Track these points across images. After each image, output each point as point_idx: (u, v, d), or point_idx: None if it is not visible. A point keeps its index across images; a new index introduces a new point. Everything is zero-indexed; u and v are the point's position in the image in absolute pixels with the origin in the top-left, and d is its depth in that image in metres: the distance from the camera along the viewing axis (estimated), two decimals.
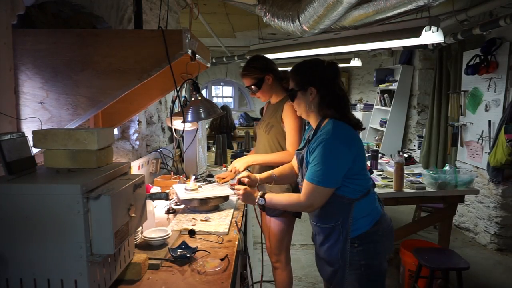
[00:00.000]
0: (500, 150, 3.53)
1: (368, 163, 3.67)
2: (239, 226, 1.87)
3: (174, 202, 2.15)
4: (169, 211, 2.04)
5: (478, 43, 4.04)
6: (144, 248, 1.54)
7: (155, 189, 2.12)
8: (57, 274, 0.99)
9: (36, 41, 1.30)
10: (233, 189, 1.81)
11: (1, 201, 0.97)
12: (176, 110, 2.74)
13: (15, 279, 1.00)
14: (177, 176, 2.70)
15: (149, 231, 1.61)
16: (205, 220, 1.91)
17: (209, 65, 1.97)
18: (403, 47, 4.96)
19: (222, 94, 10.24)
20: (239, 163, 2.22)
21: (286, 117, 2.15)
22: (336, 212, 1.57)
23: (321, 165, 1.48)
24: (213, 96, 9.99)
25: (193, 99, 1.97)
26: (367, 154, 3.92)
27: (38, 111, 1.31)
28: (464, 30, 3.86)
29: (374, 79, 6.61)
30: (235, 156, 3.73)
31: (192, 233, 1.74)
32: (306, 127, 1.86)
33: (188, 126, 2.29)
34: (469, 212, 4.38)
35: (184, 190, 2.09)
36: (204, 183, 2.40)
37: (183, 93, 3.92)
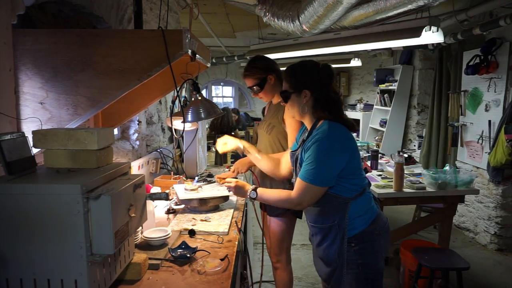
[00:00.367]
0: (500, 150, 3.53)
1: (368, 163, 3.67)
2: (239, 226, 1.87)
3: (174, 202, 2.15)
4: (169, 211, 2.04)
5: (478, 43, 4.04)
6: (144, 248, 1.54)
7: (155, 189, 2.12)
8: (57, 274, 0.99)
9: (36, 41, 1.30)
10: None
11: (1, 201, 0.97)
12: (176, 110, 2.74)
13: (15, 279, 1.00)
14: (177, 176, 2.70)
15: (149, 231, 1.61)
16: (205, 220, 1.91)
17: (209, 65, 1.97)
18: (403, 47, 4.96)
19: (222, 94, 10.24)
20: (241, 164, 2.23)
21: (287, 117, 2.15)
22: (333, 212, 1.57)
23: (315, 164, 1.49)
24: (213, 96, 10.00)
25: (193, 99, 1.97)
26: (367, 154, 3.92)
27: (38, 111, 1.31)
28: (464, 30, 3.86)
29: (374, 79, 6.61)
30: (235, 156, 3.73)
31: (192, 233, 1.74)
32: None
33: (188, 126, 2.29)
34: (469, 212, 4.38)
35: (184, 190, 2.09)
36: (204, 183, 2.40)
37: (183, 93, 3.92)
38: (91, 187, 1.01)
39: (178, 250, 1.51)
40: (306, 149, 1.54)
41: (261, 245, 2.39)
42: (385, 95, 6.32)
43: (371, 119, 6.84)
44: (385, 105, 6.33)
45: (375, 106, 6.82)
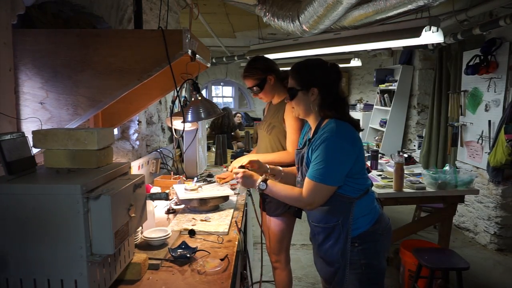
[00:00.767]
0: (500, 150, 3.53)
1: (368, 163, 3.67)
2: (239, 226, 1.87)
3: (174, 202, 2.15)
4: (169, 211, 2.04)
5: (478, 43, 4.04)
6: (144, 248, 1.54)
7: (155, 189, 2.12)
8: (57, 274, 0.99)
9: (36, 41, 1.30)
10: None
11: (1, 201, 0.97)
12: (176, 110, 2.74)
13: (15, 279, 1.00)
14: (177, 176, 2.70)
15: (149, 231, 1.61)
16: (205, 220, 1.91)
17: (209, 65, 1.97)
18: (403, 47, 4.97)
19: (222, 94, 10.24)
20: (239, 163, 2.22)
21: (287, 117, 2.15)
22: (337, 212, 1.57)
23: (324, 163, 1.47)
24: (213, 96, 10.00)
25: (193, 99, 1.97)
26: (367, 154, 3.92)
27: (38, 111, 1.31)
28: (464, 30, 3.86)
29: (374, 79, 6.61)
30: (235, 156, 3.73)
31: (192, 233, 1.74)
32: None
33: (188, 126, 2.29)
34: (469, 212, 4.38)
35: (184, 190, 2.09)
36: (204, 183, 2.40)
37: (183, 93, 3.92)
38: (91, 187, 1.01)
39: (178, 250, 1.51)
40: (314, 148, 1.52)
41: (261, 245, 2.39)
42: (385, 95, 6.33)
43: (371, 119, 6.84)
44: (385, 105, 6.33)
45: (375, 106, 6.82)
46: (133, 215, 1.15)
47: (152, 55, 1.32)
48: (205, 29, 5.12)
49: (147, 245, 1.56)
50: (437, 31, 2.47)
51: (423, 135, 5.40)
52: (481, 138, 4.07)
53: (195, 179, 2.27)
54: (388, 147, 5.89)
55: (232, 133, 6.02)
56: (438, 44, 4.58)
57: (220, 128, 5.66)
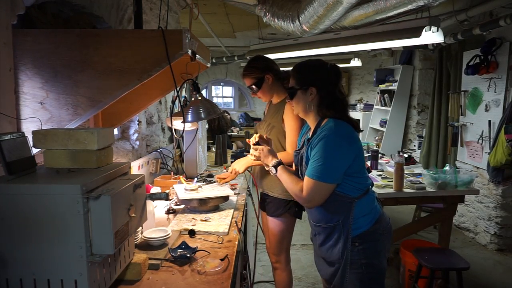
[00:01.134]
0: (500, 150, 3.53)
1: (368, 163, 3.67)
2: (239, 226, 1.87)
3: (174, 202, 2.15)
4: (169, 211, 2.04)
5: (478, 43, 4.04)
6: (144, 248, 1.54)
7: (155, 189, 2.12)
8: (57, 274, 0.99)
9: (36, 41, 1.30)
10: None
11: (1, 201, 0.97)
12: (176, 110, 2.74)
13: (15, 279, 1.00)
14: (177, 176, 2.70)
15: (149, 231, 1.61)
16: (205, 220, 1.91)
17: (209, 65, 1.96)
18: (403, 47, 4.97)
19: (222, 94, 10.24)
20: (239, 165, 2.22)
21: (287, 117, 2.15)
22: (337, 211, 1.57)
23: (322, 160, 1.48)
24: (213, 96, 9.99)
25: (193, 99, 1.97)
26: (367, 154, 3.93)
27: (38, 111, 1.31)
28: (464, 30, 3.86)
29: (374, 79, 6.61)
30: (235, 156, 3.73)
31: (192, 233, 1.74)
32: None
33: (188, 126, 2.29)
34: (469, 212, 4.38)
35: (184, 190, 2.09)
36: (204, 183, 2.40)
37: (183, 93, 3.92)
38: (91, 187, 1.01)
39: (178, 250, 1.51)
40: (312, 147, 1.54)
41: (261, 245, 2.39)
42: (385, 95, 6.33)
43: (371, 119, 6.84)
44: (385, 105, 6.33)
45: (375, 106, 6.82)
46: (133, 215, 1.15)
47: (152, 55, 1.32)
48: (205, 29, 5.12)
49: (147, 245, 1.56)
50: (437, 31, 2.47)
51: (423, 135, 5.40)
52: (481, 138, 4.07)
53: (195, 179, 2.27)
54: (388, 147, 5.89)
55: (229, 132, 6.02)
56: (438, 44, 4.58)
57: (218, 129, 5.66)
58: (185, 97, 3.81)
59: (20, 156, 1.09)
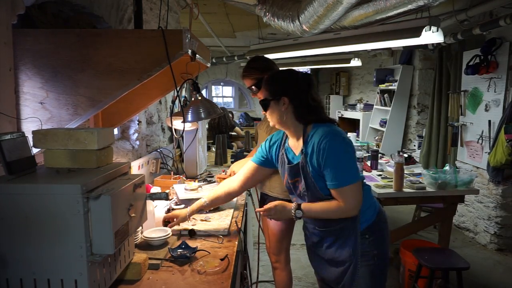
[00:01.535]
0: (500, 150, 3.53)
1: (368, 163, 3.67)
2: (239, 226, 1.87)
3: (174, 202, 2.15)
4: (169, 211, 2.04)
5: (478, 43, 4.04)
6: (144, 248, 1.54)
7: (155, 189, 2.12)
8: (57, 274, 0.99)
9: (36, 41, 1.30)
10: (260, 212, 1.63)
11: (1, 201, 0.97)
12: (176, 110, 2.74)
13: (15, 279, 1.00)
14: (177, 176, 2.70)
15: (149, 231, 1.61)
16: (205, 220, 1.91)
17: (209, 65, 1.97)
18: (403, 47, 4.97)
19: (222, 94, 10.24)
20: (238, 167, 2.21)
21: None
22: None
23: (341, 164, 1.49)
24: (213, 96, 10.00)
25: (193, 99, 1.97)
26: (367, 154, 3.93)
27: (38, 111, 1.31)
28: (464, 30, 3.86)
29: (374, 79, 6.61)
30: (235, 156, 3.73)
31: (192, 233, 1.74)
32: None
33: (188, 126, 2.29)
34: (469, 212, 4.38)
35: (184, 190, 2.09)
36: (204, 183, 2.40)
37: (183, 93, 3.92)
38: (91, 187, 1.01)
39: (178, 250, 1.51)
40: (318, 158, 1.50)
41: (261, 245, 2.39)
42: (385, 95, 6.32)
43: (371, 119, 6.84)
44: (385, 105, 6.33)
45: (375, 106, 6.82)
46: (133, 215, 1.15)
47: (152, 55, 1.32)
48: (205, 29, 5.12)
49: (147, 245, 1.56)
50: (437, 31, 2.47)
51: (423, 135, 5.40)
52: (481, 138, 4.07)
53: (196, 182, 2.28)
54: (388, 147, 5.89)
55: (232, 133, 6.03)
56: (438, 44, 4.58)
57: (218, 128, 5.67)
58: (185, 97, 3.81)
59: (20, 156, 1.09)
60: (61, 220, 0.97)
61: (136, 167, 2.41)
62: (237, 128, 6.16)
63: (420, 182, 3.00)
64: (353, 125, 7.47)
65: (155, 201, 1.76)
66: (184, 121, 1.80)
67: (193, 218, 1.93)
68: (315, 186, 1.54)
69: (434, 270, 2.43)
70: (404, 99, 6.03)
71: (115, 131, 2.51)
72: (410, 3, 1.87)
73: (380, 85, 6.45)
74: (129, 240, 1.26)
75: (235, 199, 2.27)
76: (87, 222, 0.98)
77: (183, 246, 1.54)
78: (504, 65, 3.73)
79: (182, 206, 2.09)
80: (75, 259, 0.98)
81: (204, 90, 9.55)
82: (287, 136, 1.70)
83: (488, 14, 3.89)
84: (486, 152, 3.95)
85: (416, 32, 2.47)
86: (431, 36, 2.53)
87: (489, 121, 3.93)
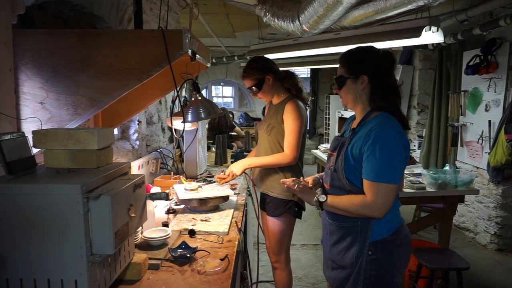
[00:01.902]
0: (500, 150, 3.53)
1: None
2: (239, 226, 1.87)
3: (174, 202, 2.15)
4: (169, 211, 2.04)
5: (478, 43, 4.04)
6: (144, 248, 1.54)
7: (155, 189, 2.12)
8: (57, 274, 0.99)
9: (36, 41, 1.30)
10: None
11: (1, 201, 0.97)
12: (176, 110, 2.74)
13: (15, 279, 1.00)
14: (177, 176, 2.70)
15: (149, 231, 1.61)
16: (205, 220, 1.91)
17: (209, 65, 1.97)
18: (403, 47, 4.96)
19: (222, 94, 10.24)
20: (236, 167, 2.20)
21: (286, 118, 2.15)
22: None
23: (387, 160, 1.37)
24: (213, 96, 10.00)
25: (193, 99, 1.98)
26: None
27: (38, 111, 1.31)
28: (464, 30, 3.86)
29: None
30: (235, 156, 3.73)
31: (192, 233, 1.74)
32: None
33: (188, 126, 2.29)
34: (469, 212, 4.38)
35: (184, 190, 2.09)
36: (204, 183, 2.40)
37: (183, 93, 3.92)
38: (91, 187, 1.01)
39: (178, 250, 1.51)
40: (362, 144, 1.41)
41: (261, 245, 2.39)
42: None
43: None
44: None
45: None
46: (133, 215, 1.15)
47: (152, 55, 1.32)
48: (205, 29, 5.12)
49: (147, 245, 1.56)
50: (437, 31, 2.47)
51: (423, 135, 5.40)
52: (481, 138, 4.07)
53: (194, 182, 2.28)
54: None
55: (232, 133, 6.03)
56: (438, 44, 4.58)
57: (218, 128, 5.67)
58: (185, 97, 3.81)
59: (20, 156, 1.09)
60: (61, 220, 0.97)
61: (136, 167, 2.41)
62: (237, 128, 6.17)
63: (420, 182, 3.00)
64: None
65: (155, 201, 1.76)
66: (184, 121, 1.80)
67: (193, 218, 1.93)
68: (342, 164, 1.47)
69: (434, 270, 2.43)
70: (404, 99, 6.03)
71: (115, 131, 2.51)
72: (410, 3, 1.87)
73: None
74: (129, 240, 1.26)
75: (235, 199, 2.27)
76: (87, 222, 0.98)
77: (183, 246, 1.54)
78: (504, 65, 3.73)
79: (182, 206, 2.09)
80: (75, 259, 0.98)
81: (204, 90, 9.55)
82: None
83: (488, 14, 3.89)
84: (486, 152, 3.95)
85: (416, 32, 2.47)
86: (431, 36, 2.53)
87: (489, 121, 3.93)
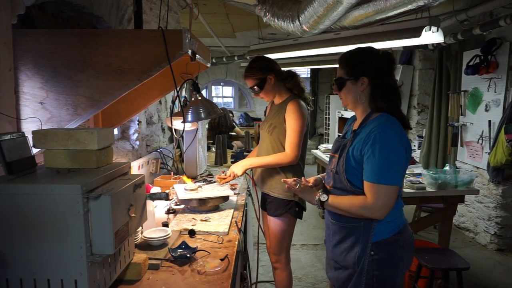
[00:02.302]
0: (500, 150, 3.53)
1: None
2: (239, 226, 1.87)
3: (174, 202, 2.15)
4: (169, 211, 2.04)
5: (478, 43, 4.04)
6: (144, 248, 1.54)
7: (155, 189, 2.12)
8: (57, 274, 0.99)
9: (36, 41, 1.30)
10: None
11: (1, 201, 0.97)
12: (176, 110, 2.74)
13: (15, 279, 1.00)
14: (177, 176, 2.70)
15: (149, 231, 1.61)
16: (205, 220, 1.91)
17: (209, 65, 1.97)
18: (403, 47, 4.96)
19: (222, 94, 10.24)
20: (237, 168, 2.20)
21: (288, 118, 2.15)
22: None
23: (388, 162, 1.37)
24: (213, 96, 10.00)
25: (193, 99, 1.98)
26: None
27: (38, 111, 1.31)
28: (464, 30, 3.86)
29: None
30: (235, 156, 3.73)
31: (192, 233, 1.74)
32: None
33: (188, 126, 2.29)
34: (469, 212, 4.38)
35: (184, 190, 2.09)
36: (204, 183, 2.40)
37: (183, 93, 3.92)
38: (91, 187, 1.01)
39: (178, 250, 1.51)
40: (363, 146, 1.41)
41: (261, 245, 2.39)
42: None
43: None
44: None
45: None
46: (133, 215, 1.15)
47: (152, 55, 1.32)
48: (205, 29, 5.12)
49: (147, 245, 1.56)
50: (437, 31, 2.47)
51: (423, 135, 5.40)
52: (481, 138, 4.07)
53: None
54: None
55: (232, 133, 6.03)
56: (438, 44, 4.58)
57: (218, 128, 5.67)
58: (185, 97, 3.81)
59: (20, 156, 1.09)
60: (61, 220, 0.97)
61: (136, 167, 2.41)
62: (237, 129, 6.17)
63: (420, 182, 3.00)
64: None
65: (155, 201, 1.76)
66: (184, 121, 1.80)
67: (193, 218, 1.93)
68: (343, 166, 1.47)
69: (434, 270, 2.43)
70: (404, 99, 6.03)
71: (115, 131, 2.51)
72: (410, 3, 1.87)
73: None
74: (129, 240, 1.26)
75: (235, 199, 2.27)
76: (87, 222, 0.98)
77: (183, 246, 1.54)
78: (504, 65, 3.73)
79: (182, 206, 2.09)
80: (75, 259, 0.98)
81: (204, 90, 9.55)
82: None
83: (488, 14, 3.89)
84: (486, 152, 3.95)
85: (416, 32, 2.47)
86: (431, 36, 2.53)
87: (489, 121, 3.93)
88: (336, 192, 1.54)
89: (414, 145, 5.80)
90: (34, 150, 1.18)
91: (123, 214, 1.09)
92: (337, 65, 1.59)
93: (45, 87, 1.31)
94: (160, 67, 1.33)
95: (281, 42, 3.88)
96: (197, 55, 1.54)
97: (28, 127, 1.29)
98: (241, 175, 2.20)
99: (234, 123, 6.35)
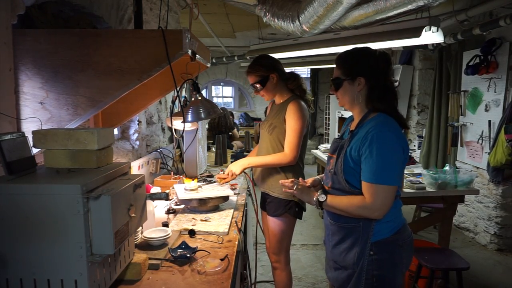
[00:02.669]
0: (500, 150, 3.53)
1: None
2: (239, 226, 1.87)
3: (174, 202, 2.15)
4: (169, 211, 2.05)
5: (478, 43, 4.04)
6: (144, 248, 1.54)
7: (155, 189, 2.12)
8: (57, 274, 0.99)
9: (36, 41, 1.30)
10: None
11: (1, 201, 0.97)
12: (176, 110, 2.74)
13: (15, 279, 1.00)
14: (177, 176, 2.70)
15: (149, 231, 1.61)
16: (205, 220, 1.91)
17: (209, 65, 1.97)
18: (403, 47, 4.96)
19: (222, 94, 10.24)
20: (236, 167, 2.20)
21: (288, 118, 2.15)
22: None
23: (386, 162, 1.37)
24: (213, 96, 10.00)
25: (193, 99, 1.98)
26: None
27: (38, 111, 1.31)
28: (464, 30, 3.86)
29: None
30: (235, 156, 3.74)
31: (192, 233, 1.74)
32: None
33: (188, 126, 2.29)
34: (469, 212, 4.38)
35: (184, 190, 2.09)
36: (204, 183, 2.40)
37: (183, 93, 3.92)
38: (91, 187, 1.01)
39: (178, 250, 1.51)
40: (360, 146, 1.41)
41: (261, 245, 2.39)
42: None
43: None
44: None
45: None
46: (133, 215, 1.15)
47: (152, 55, 1.32)
48: (205, 29, 5.12)
49: (147, 245, 1.56)
50: (437, 31, 2.47)
51: (423, 135, 5.40)
52: (481, 138, 4.07)
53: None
54: None
55: (230, 133, 6.03)
56: (438, 44, 4.58)
57: (218, 128, 5.66)
58: (185, 97, 3.81)
59: (20, 156, 1.09)
60: (61, 220, 0.97)
61: (136, 167, 2.41)
62: (234, 131, 6.16)
63: (420, 182, 3.00)
64: None
65: (155, 201, 1.76)
66: (184, 121, 1.80)
67: (193, 218, 1.93)
68: (341, 167, 1.47)
69: (434, 270, 2.43)
70: (404, 99, 6.03)
71: (115, 131, 2.51)
72: (410, 3, 1.87)
73: None
74: (129, 240, 1.26)
75: (235, 199, 2.27)
76: (87, 222, 0.98)
77: (183, 246, 1.54)
78: (504, 65, 3.73)
79: (182, 206, 2.09)
80: (75, 259, 0.98)
81: (204, 90, 9.55)
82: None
83: (488, 14, 3.89)
84: (486, 152, 3.95)
85: (416, 32, 2.47)
86: (431, 36, 2.53)
87: (489, 121, 3.93)
88: (335, 193, 1.54)
89: (414, 145, 5.80)
90: (34, 150, 1.18)
91: (123, 214, 1.09)
92: None
93: (45, 87, 1.31)
94: (160, 67, 1.33)
95: (281, 42, 3.88)
96: (197, 55, 1.54)
97: (28, 127, 1.29)
98: (239, 174, 2.20)
99: (234, 124, 6.35)
